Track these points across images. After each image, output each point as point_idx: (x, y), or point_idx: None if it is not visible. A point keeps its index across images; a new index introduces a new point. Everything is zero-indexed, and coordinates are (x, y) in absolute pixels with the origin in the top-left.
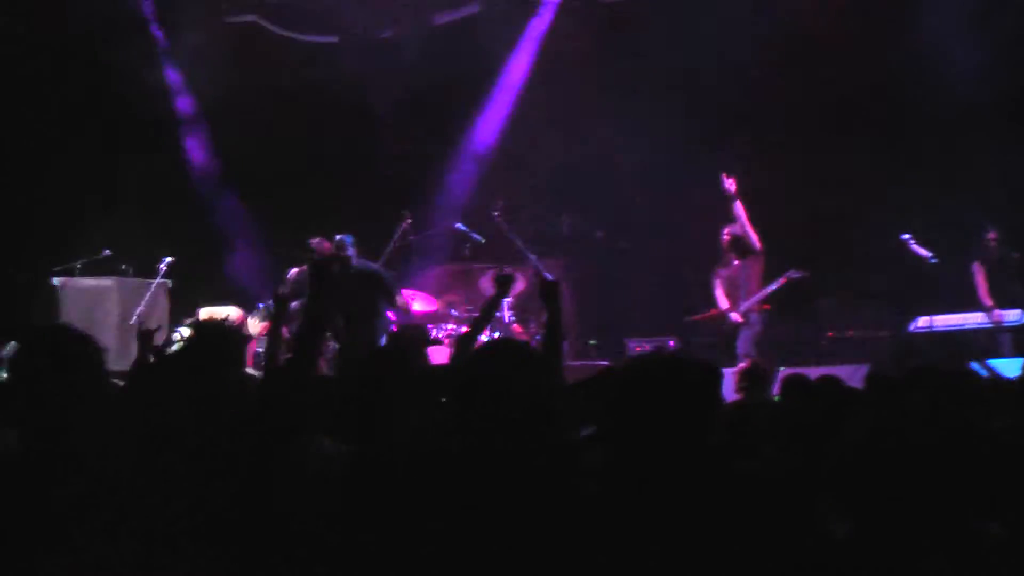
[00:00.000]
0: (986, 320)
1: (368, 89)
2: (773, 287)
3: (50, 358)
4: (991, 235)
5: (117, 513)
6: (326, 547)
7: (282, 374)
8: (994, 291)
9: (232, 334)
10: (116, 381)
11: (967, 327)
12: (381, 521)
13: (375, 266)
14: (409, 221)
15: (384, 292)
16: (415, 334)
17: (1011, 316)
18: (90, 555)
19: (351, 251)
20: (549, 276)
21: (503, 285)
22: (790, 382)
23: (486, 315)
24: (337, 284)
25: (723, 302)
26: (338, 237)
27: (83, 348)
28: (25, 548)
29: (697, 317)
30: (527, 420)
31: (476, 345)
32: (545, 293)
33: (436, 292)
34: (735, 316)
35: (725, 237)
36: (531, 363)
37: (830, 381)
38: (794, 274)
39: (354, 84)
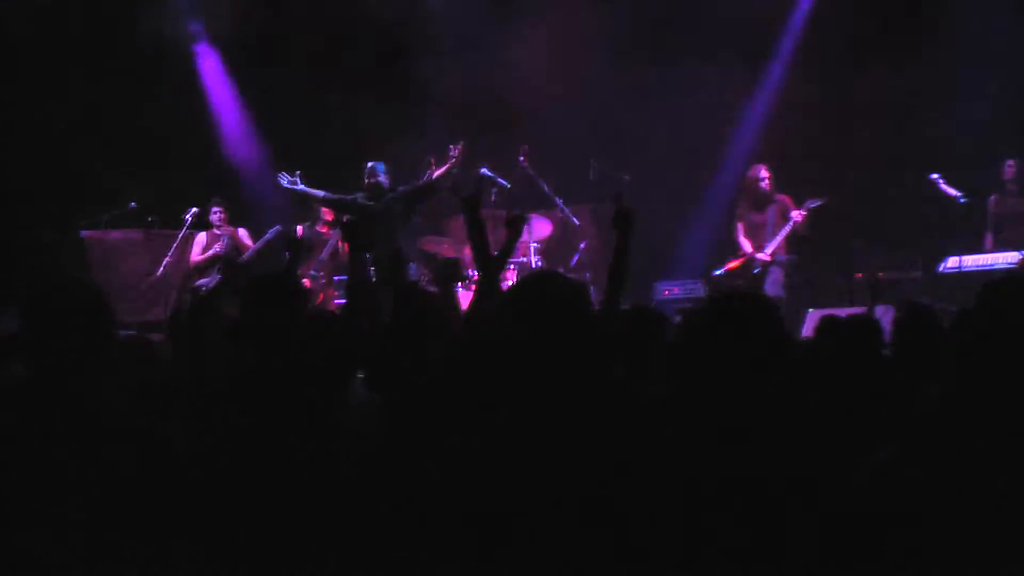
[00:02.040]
0: (1014, 260)
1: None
2: (795, 219)
3: (53, 310)
4: (1008, 162)
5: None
6: (363, 497)
7: (335, 326)
8: (1011, 223)
9: (293, 285)
10: (148, 334)
11: (997, 267)
12: (417, 473)
13: (405, 188)
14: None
15: (416, 197)
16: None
17: None
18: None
19: (383, 178)
20: (576, 221)
21: (515, 226)
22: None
23: (503, 258)
24: (369, 220)
25: (746, 246)
26: (370, 164)
27: (87, 299)
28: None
29: (721, 272)
30: (576, 356)
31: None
32: (619, 220)
33: (463, 239)
34: (763, 256)
35: (763, 181)
36: (581, 294)
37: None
38: (813, 202)
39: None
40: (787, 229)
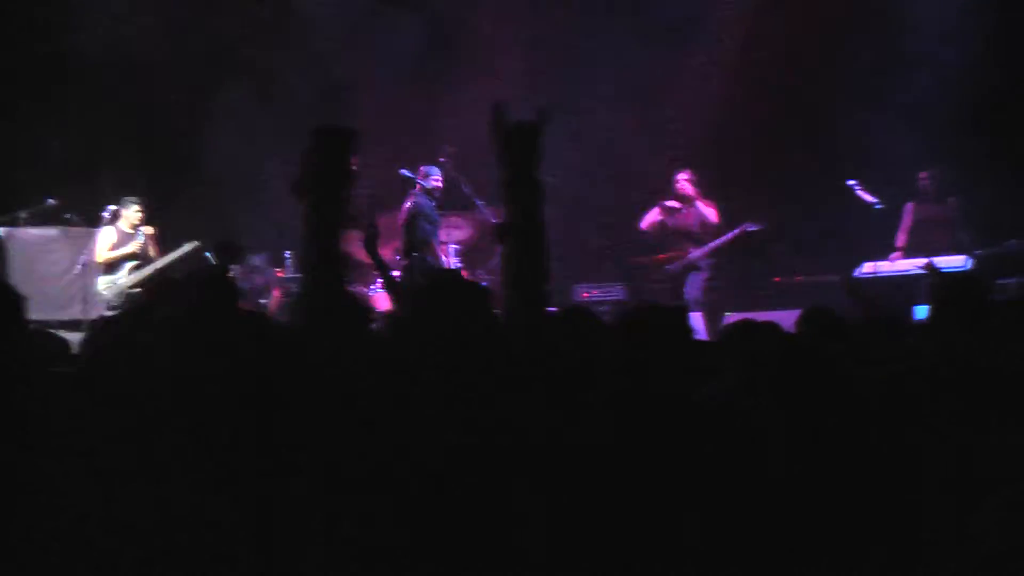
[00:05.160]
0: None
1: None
2: (728, 237)
3: None
4: (922, 174)
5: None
6: None
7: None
8: (917, 233)
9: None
10: (61, 333)
11: (911, 273)
12: None
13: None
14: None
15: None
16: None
17: (949, 262)
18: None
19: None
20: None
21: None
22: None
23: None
24: None
25: (648, 220)
26: (423, 168)
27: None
28: None
29: (647, 260)
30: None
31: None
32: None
33: (384, 241)
34: (696, 254)
35: (683, 183)
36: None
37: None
38: (750, 226)
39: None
40: (716, 244)
